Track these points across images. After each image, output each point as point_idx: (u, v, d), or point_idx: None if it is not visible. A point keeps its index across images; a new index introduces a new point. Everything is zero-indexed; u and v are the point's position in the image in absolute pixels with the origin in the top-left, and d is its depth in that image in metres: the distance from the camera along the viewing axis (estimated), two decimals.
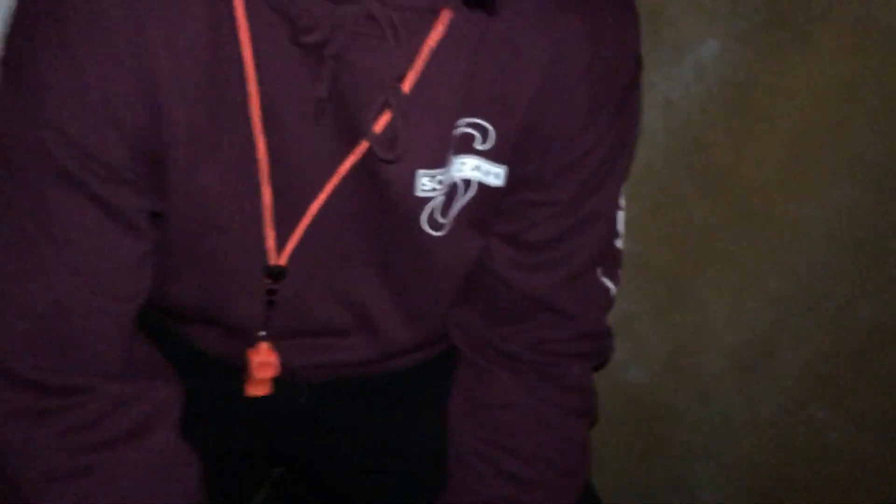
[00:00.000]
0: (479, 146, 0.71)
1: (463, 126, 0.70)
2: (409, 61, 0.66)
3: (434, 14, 0.65)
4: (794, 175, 1.10)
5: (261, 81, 0.64)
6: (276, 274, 0.73)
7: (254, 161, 0.67)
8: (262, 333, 0.78)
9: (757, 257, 1.14)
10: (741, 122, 1.08)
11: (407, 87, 0.66)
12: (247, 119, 0.65)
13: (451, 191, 0.73)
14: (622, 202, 0.78)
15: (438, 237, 0.74)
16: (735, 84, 1.07)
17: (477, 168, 0.72)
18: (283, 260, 0.73)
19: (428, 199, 0.71)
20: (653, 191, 1.11)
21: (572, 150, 0.73)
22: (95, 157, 0.62)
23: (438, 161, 0.70)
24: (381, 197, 0.71)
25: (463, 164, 0.71)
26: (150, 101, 0.62)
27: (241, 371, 0.81)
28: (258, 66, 0.64)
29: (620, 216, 0.79)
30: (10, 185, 0.64)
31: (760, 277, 1.15)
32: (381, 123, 0.66)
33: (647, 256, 1.14)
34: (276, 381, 0.81)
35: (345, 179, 0.69)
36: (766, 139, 1.08)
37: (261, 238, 0.71)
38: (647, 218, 1.12)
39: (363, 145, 0.67)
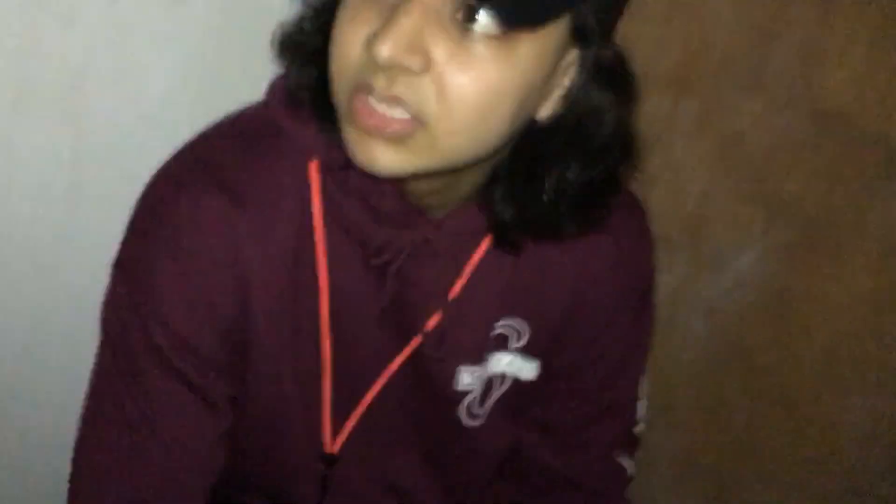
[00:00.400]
0: (514, 344, 0.82)
1: (500, 327, 0.81)
2: (457, 274, 0.78)
3: (478, 238, 0.78)
4: (833, 378, 1.16)
5: (332, 290, 0.76)
6: (330, 461, 0.83)
7: (319, 358, 0.78)
8: None
9: (800, 454, 1.18)
10: (780, 327, 1.16)
11: (454, 295, 0.78)
12: (317, 321, 0.77)
13: (488, 384, 0.83)
14: (642, 392, 0.88)
15: (475, 426, 0.84)
16: (772, 292, 1.16)
17: (511, 363, 0.82)
18: (336, 447, 0.83)
19: (466, 392, 0.82)
20: (696, 390, 1.19)
21: (597, 347, 0.84)
22: (192, 347, 0.73)
23: (478, 358, 0.81)
24: (425, 390, 0.81)
25: (499, 360, 0.82)
26: (241, 300, 0.74)
27: None
28: (330, 278, 0.76)
29: (640, 405, 0.88)
30: (115, 368, 0.74)
31: (805, 474, 1.19)
32: (431, 325, 0.78)
33: (693, 452, 1.20)
34: None
35: (395, 375, 0.80)
36: (803, 344, 1.16)
37: (318, 426, 0.81)
38: (693, 415, 1.19)
39: (412, 345, 0.79)
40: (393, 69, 0.62)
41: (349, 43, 0.65)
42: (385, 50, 0.61)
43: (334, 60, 0.66)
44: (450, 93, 0.62)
